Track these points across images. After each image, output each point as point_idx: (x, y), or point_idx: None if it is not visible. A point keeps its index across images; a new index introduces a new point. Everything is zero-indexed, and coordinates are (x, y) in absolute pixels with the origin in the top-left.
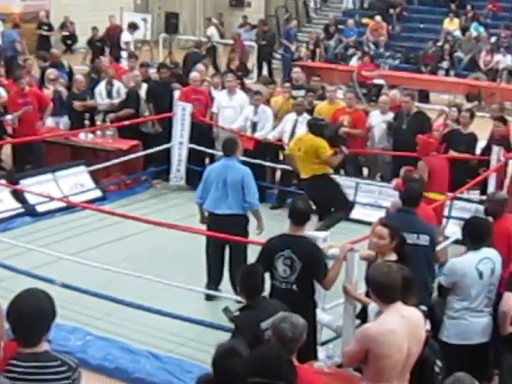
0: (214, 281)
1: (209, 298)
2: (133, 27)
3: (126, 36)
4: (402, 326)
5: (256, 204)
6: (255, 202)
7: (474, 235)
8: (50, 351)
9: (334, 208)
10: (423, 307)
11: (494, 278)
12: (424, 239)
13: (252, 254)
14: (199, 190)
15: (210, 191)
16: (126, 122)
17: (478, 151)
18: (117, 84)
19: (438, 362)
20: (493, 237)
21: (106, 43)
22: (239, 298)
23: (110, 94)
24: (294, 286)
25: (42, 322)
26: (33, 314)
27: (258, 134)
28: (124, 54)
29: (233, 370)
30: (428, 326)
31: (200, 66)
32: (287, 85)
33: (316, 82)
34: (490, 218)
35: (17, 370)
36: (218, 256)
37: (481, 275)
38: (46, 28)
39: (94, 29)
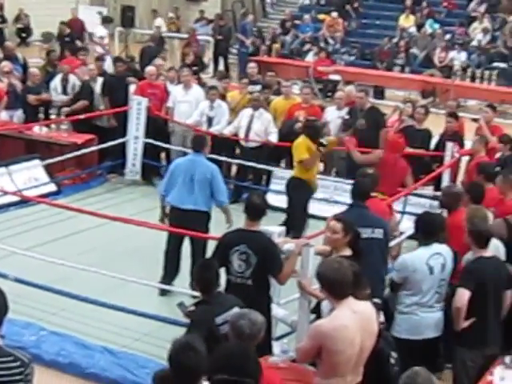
0: (169, 275)
1: (163, 293)
2: (108, 21)
3: (100, 30)
4: (354, 320)
5: (225, 201)
6: (225, 199)
7: (426, 231)
8: (3, 347)
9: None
10: (376, 300)
11: (445, 273)
12: (379, 233)
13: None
14: (164, 183)
15: (174, 185)
16: (81, 116)
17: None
18: (72, 79)
19: (393, 354)
20: (447, 230)
21: (74, 37)
22: (194, 293)
23: (65, 90)
24: (250, 281)
25: None
26: None
27: (214, 129)
28: (98, 48)
29: (188, 365)
30: (382, 319)
31: (158, 60)
32: (245, 80)
33: (271, 77)
34: (445, 212)
35: None
36: (177, 251)
37: (431, 270)
38: None
39: (63, 23)
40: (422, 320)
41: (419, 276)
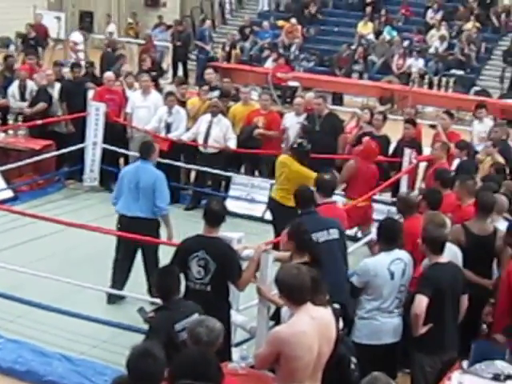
0: (118, 284)
1: (111, 300)
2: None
3: (76, 36)
4: (312, 326)
5: (165, 209)
6: (164, 206)
7: (387, 236)
8: None
9: None
10: (336, 305)
11: (405, 278)
12: (334, 233)
13: (165, 257)
14: (115, 191)
15: (122, 193)
16: (39, 122)
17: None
18: (30, 85)
19: (353, 359)
20: (402, 236)
21: (39, 42)
22: (151, 300)
23: (23, 96)
24: (209, 287)
25: None
26: None
27: (173, 135)
28: (74, 55)
29: (147, 372)
30: (341, 325)
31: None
32: (205, 87)
33: (227, 83)
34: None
35: None
36: (128, 260)
37: (392, 276)
38: None
39: (31, 26)
40: (383, 325)
41: (380, 281)
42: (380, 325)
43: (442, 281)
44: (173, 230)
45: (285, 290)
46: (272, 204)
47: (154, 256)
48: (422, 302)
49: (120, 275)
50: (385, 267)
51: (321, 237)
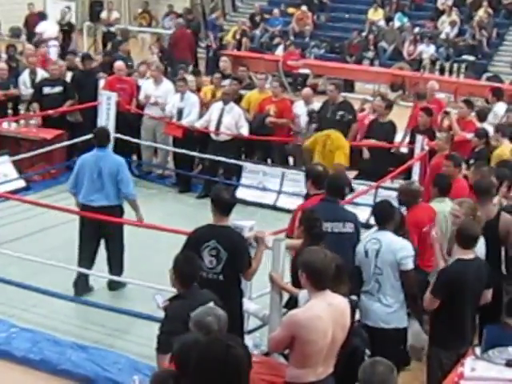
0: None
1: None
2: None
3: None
4: (327, 312)
5: (132, 194)
6: (131, 191)
7: (376, 217)
8: None
9: None
10: (353, 297)
11: (380, 261)
12: (349, 227)
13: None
14: (71, 179)
15: (82, 183)
16: (51, 112)
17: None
18: (40, 72)
19: (367, 351)
20: (407, 226)
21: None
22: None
23: (33, 83)
24: (221, 277)
25: None
26: None
27: (185, 121)
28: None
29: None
30: (357, 316)
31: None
32: (217, 75)
33: (242, 71)
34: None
35: None
36: (92, 248)
37: (366, 253)
38: None
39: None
40: (369, 307)
41: (358, 258)
42: (366, 307)
43: (463, 279)
44: (141, 213)
45: (308, 272)
46: None
47: (119, 245)
48: (431, 300)
49: (86, 262)
50: (362, 244)
51: (335, 227)
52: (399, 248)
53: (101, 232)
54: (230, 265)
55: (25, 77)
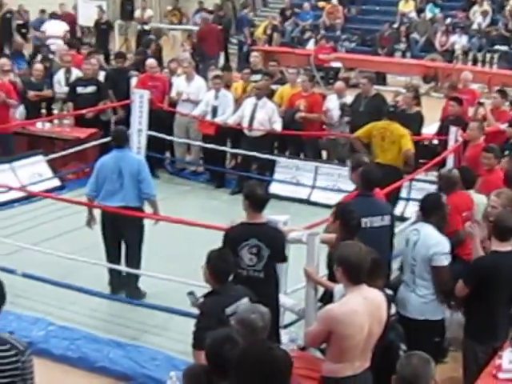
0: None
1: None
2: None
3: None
4: (363, 306)
5: (153, 194)
6: (152, 191)
7: (422, 208)
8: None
9: None
10: (389, 291)
11: (416, 253)
12: (387, 219)
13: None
14: (91, 183)
15: (103, 185)
16: (84, 111)
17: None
18: (75, 72)
19: (403, 346)
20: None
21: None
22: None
23: (68, 82)
24: (262, 274)
25: None
26: None
27: (219, 119)
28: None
29: (228, 358)
30: (393, 310)
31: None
32: (247, 70)
33: (274, 66)
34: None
35: None
36: (115, 251)
37: (407, 243)
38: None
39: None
40: (406, 297)
41: (400, 246)
42: (403, 296)
43: (497, 272)
44: (161, 213)
45: (344, 266)
46: None
47: (137, 248)
48: (461, 287)
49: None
50: (405, 233)
51: (374, 222)
52: (434, 243)
53: (119, 234)
54: (271, 261)
55: (60, 76)
